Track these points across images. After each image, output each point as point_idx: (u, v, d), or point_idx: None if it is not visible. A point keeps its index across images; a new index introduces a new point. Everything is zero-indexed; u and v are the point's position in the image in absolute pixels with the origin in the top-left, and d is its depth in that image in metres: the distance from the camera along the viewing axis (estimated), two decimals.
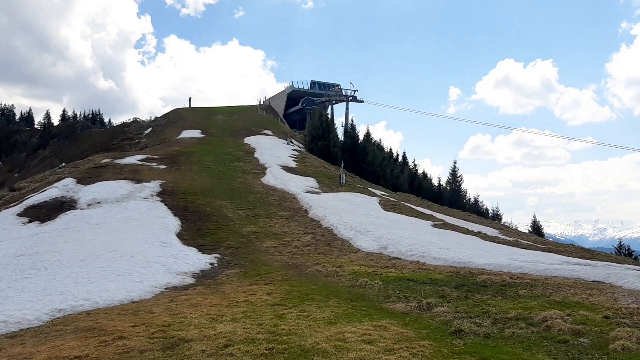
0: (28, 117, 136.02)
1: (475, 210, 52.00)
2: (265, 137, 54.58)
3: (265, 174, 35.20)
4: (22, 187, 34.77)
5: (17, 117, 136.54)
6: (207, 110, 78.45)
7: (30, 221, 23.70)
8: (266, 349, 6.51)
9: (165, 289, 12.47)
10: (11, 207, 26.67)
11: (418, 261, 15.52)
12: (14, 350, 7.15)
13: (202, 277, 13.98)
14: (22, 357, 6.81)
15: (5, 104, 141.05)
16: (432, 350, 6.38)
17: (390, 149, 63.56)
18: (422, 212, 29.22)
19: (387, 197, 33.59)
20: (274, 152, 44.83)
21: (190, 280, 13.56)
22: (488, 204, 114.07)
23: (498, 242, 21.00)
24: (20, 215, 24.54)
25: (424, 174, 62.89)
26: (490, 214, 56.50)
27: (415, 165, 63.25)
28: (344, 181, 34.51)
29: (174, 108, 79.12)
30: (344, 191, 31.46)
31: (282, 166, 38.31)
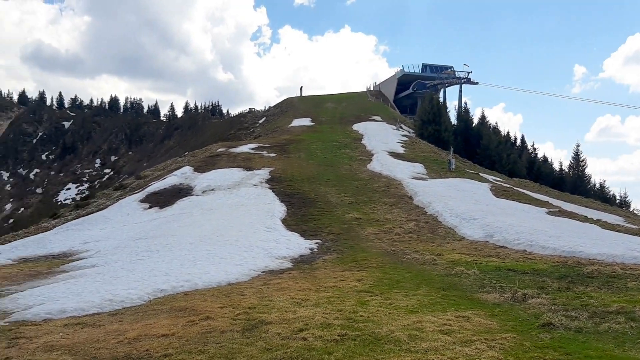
0: (155, 110, 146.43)
1: (600, 197, 48.28)
2: (374, 123, 54.26)
3: (371, 160, 35.05)
4: (146, 175, 37.42)
5: (145, 110, 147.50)
6: (318, 98, 79.43)
7: (150, 207, 25.39)
8: (339, 335, 6.48)
9: (263, 272, 12.82)
10: (136, 193, 28.77)
11: (524, 250, 14.72)
12: (112, 327, 7.73)
13: (300, 262, 14.22)
14: (117, 334, 7.34)
15: (134, 98, 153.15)
16: (512, 344, 6.00)
17: (508, 133, 60.61)
18: (536, 199, 27.63)
19: (500, 183, 32.16)
20: (381, 138, 44.46)
21: (288, 265, 13.84)
22: (616, 189, 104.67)
23: (619, 231, 19.34)
24: (142, 201, 26.38)
25: (544, 159, 59.40)
26: (617, 201, 52.23)
27: (534, 149, 59.94)
28: (453, 167, 33.46)
29: (286, 97, 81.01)
30: (453, 177, 30.57)
31: (389, 152, 37.93)
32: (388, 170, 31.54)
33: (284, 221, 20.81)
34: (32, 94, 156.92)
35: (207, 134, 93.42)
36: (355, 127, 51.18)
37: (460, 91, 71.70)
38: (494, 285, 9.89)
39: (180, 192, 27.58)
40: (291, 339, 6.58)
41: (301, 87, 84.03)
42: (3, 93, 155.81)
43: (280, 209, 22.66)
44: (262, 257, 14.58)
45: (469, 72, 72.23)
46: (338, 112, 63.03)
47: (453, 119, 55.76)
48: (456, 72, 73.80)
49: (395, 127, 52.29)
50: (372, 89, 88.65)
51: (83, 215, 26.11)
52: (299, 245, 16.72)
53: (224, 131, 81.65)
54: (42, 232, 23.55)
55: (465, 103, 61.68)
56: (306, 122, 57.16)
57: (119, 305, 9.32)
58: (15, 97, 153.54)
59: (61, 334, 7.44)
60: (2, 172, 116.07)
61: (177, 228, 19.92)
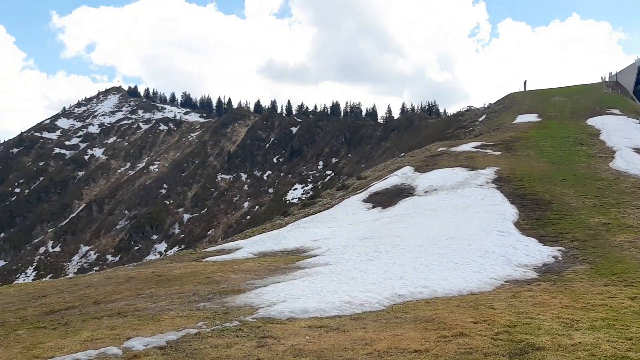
0: (372, 113, 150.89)
1: None
2: (612, 117, 48.21)
3: (613, 157, 30.91)
4: (367, 176, 38.04)
5: (364, 113, 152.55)
6: (543, 92, 73.67)
7: (373, 207, 25.46)
8: None
9: (505, 281, 11.53)
10: (358, 193, 29.22)
11: None
12: (357, 334, 7.26)
13: (546, 272, 12.56)
14: (364, 343, 6.83)
15: (353, 102, 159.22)
16: None
17: None
18: None
19: None
20: (623, 133, 39.16)
21: (533, 274, 12.30)
22: None
23: None
24: (365, 201, 26.61)
25: None
26: None
27: None
28: None
29: (508, 93, 76.61)
30: None
31: (634, 149, 33.13)
32: (636, 169, 27.43)
33: (517, 225, 19.07)
34: (265, 103, 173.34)
35: (423, 134, 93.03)
36: (590, 121, 46.02)
37: None
38: None
39: (402, 192, 27.23)
40: None
41: (525, 82, 78.60)
42: (242, 103, 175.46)
43: (511, 211, 20.89)
44: (500, 264, 13.25)
45: None
46: (568, 107, 57.58)
47: None
48: None
49: (637, 121, 45.78)
50: (607, 79, 79.39)
51: (311, 214, 27.24)
52: (540, 252, 14.97)
53: (441, 130, 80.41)
54: (277, 229, 25.06)
55: None
56: (532, 117, 53.19)
57: (358, 308, 8.93)
58: (252, 107, 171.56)
59: (307, 337, 7.21)
60: (241, 173, 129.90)
61: (403, 229, 19.45)
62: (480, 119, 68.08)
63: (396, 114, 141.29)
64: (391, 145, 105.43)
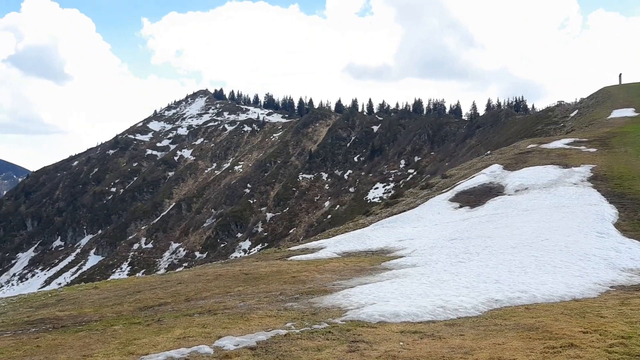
0: (456, 110, 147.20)
1: None
2: None
3: None
4: (452, 174, 37.02)
5: (447, 110, 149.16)
6: None
7: (460, 206, 24.67)
8: None
9: (611, 287, 10.65)
10: (444, 192, 28.45)
11: None
12: (454, 342, 6.83)
13: None
14: (463, 352, 6.40)
15: (436, 99, 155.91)
16: None
17: None
18: None
19: None
20: None
21: (639, 280, 11.31)
22: None
23: None
24: (451, 200, 25.85)
25: None
26: None
27: None
28: None
29: (602, 87, 72.22)
30: None
31: None
32: None
33: (617, 226, 17.77)
34: (346, 102, 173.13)
35: (510, 130, 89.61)
36: None
37: None
38: None
39: (491, 191, 26.22)
40: None
41: (620, 74, 73.75)
42: (323, 103, 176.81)
43: (610, 212, 19.52)
44: (603, 268, 12.30)
45: None
46: None
47: None
48: None
49: None
50: None
51: (395, 214, 26.80)
52: None
53: (529, 127, 77.16)
54: (360, 229, 24.83)
55: None
56: (628, 112, 49.89)
57: (452, 314, 8.48)
58: (333, 106, 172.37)
59: (401, 342, 6.87)
60: (322, 173, 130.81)
61: (493, 230, 18.66)
62: (572, 115, 64.72)
63: (481, 111, 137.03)
64: (476, 143, 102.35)
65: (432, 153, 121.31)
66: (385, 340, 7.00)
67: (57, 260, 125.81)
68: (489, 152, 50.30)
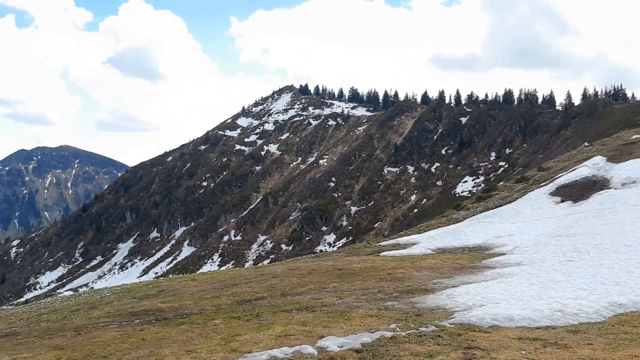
0: (550, 100, 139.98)
1: None
2: None
3: None
4: (549, 167, 35.07)
5: (540, 100, 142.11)
6: None
7: (562, 200, 23.28)
8: None
9: None
10: (542, 186, 26.94)
11: None
12: (583, 352, 6.16)
13: None
14: None
15: (527, 89, 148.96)
16: None
17: None
18: None
19: None
20: None
21: None
22: None
23: None
24: (552, 194, 24.45)
25: None
26: None
27: None
28: None
29: None
30: None
31: None
32: None
33: None
34: (433, 94, 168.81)
35: (609, 120, 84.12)
36: None
37: None
38: None
39: (594, 184, 24.56)
40: None
41: None
42: (408, 95, 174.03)
43: None
44: None
45: None
46: None
47: None
48: None
49: None
50: None
51: (491, 208, 25.69)
52: None
53: (630, 117, 72.06)
54: (453, 224, 23.98)
55: None
56: None
57: (573, 319, 7.75)
58: (419, 98, 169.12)
59: (522, 351, 6.28)
60: (408, 166, 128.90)
61: (602, 226, 17.38)
62: None
63: (577, 100, 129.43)
64: (572, 134, 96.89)
65: (525, 145, 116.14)
66: (503, 348, 6.44)
67: (153, 251, 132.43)
68: (586, 143, 47.31)
